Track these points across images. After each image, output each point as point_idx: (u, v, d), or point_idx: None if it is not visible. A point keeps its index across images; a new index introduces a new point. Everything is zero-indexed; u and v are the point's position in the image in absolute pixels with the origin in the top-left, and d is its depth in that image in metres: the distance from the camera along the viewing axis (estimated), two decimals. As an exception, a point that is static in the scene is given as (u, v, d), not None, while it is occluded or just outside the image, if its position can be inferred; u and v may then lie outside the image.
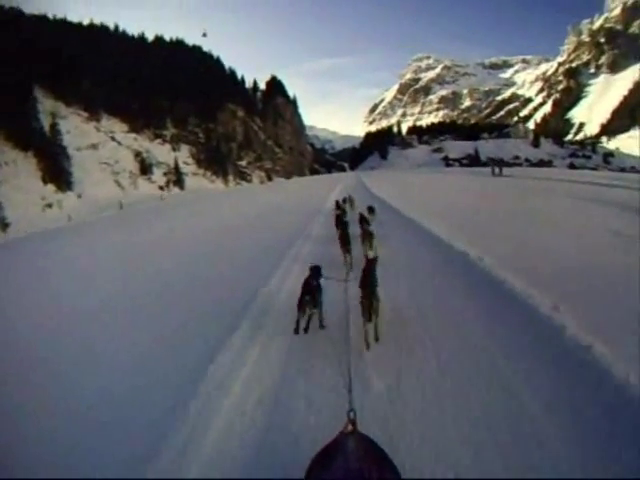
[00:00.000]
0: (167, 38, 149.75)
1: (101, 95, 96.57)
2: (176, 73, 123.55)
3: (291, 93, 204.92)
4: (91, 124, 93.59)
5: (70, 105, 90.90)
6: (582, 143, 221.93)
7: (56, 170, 68.90)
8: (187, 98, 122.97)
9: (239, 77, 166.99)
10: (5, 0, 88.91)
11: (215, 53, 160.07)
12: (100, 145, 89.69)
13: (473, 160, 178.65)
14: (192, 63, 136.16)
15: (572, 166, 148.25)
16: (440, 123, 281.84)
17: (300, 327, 6.13)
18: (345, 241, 9.94)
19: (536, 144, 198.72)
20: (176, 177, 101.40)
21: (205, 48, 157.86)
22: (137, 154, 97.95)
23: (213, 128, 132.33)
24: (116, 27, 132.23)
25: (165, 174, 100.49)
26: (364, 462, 2.19)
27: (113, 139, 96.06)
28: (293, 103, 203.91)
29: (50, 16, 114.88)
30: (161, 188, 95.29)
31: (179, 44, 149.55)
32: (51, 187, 66.72)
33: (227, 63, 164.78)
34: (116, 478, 3.64)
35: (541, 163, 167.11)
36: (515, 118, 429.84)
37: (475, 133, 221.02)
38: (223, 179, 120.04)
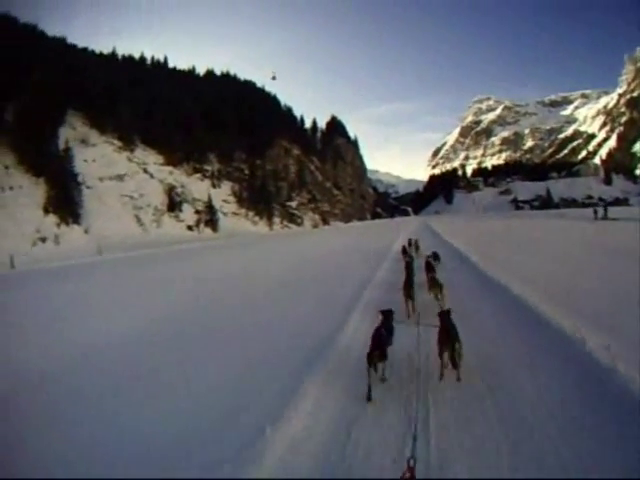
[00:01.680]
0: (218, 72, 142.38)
1: (139, 125, 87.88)
2: (225, 107, 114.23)
3: (352, 134, 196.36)
4: (123, 154, 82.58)
5: (104, 133, 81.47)
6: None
7: (62, 199, 58.34)
8: (236, 132, 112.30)
9: (298, 117, 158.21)
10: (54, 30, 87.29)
11: (279, 97, 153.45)
12: (127, 176, 77.79)
13: (545, 202, 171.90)
14: (244, 97, 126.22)
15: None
16: (506, 164, 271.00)
17: (371, 390, 5.50)
18: (409, 288, 9.55)
19: (608, 181, 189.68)
20: (209, 216, 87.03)
21: (269, 90, 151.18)
22: (171, 188, 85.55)
23: (261, 164, 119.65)
24: (165, 60, 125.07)
25: (197, 212, 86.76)
26: None
27: (145, 171, 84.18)
28: (354, 144, 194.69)
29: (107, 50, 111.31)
30: (190, 228, 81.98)
31: (230, 78, 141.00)
32: (53, 218, 55.53)
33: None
34: (117, 478, 3.86)
35: (617, 202, 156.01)
36: (581, 155, 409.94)
37: (542, 173, 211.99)
38: (267, 221, 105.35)
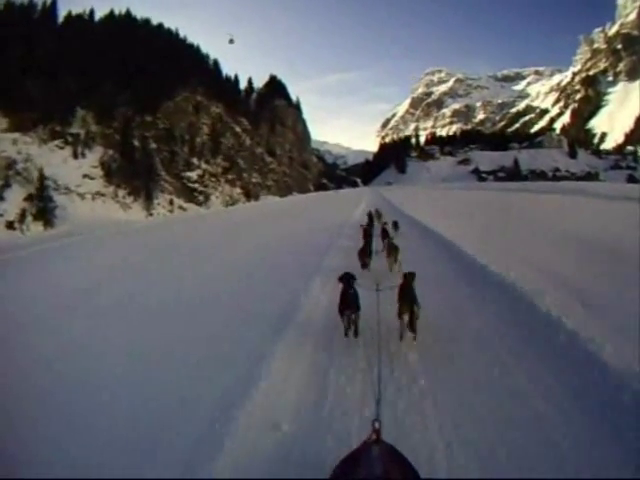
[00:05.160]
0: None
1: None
2: (116, 53, 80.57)
3: (294, 97, 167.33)
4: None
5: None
6: (622, 153, 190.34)
7: None
8: (124, 84, 78.57)
9: (232, 75, 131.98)
10: None
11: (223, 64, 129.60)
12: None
13: (511, 173, 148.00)
14: (150, 44, 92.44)
15: (632, 179, 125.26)
16: (462, 132, 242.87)
17: (348, 331, 6.03)
18: (365, 256, 9.78)
19: (573, 155, 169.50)
20: (42, 204, 51.93)
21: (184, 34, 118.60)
22: (8, 165, 51.95)
23: (151, 122, 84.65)
24: (54, 3, 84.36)
25: (29, 199, 51.71)
26: (388, 471, 2.20)
27: (-21, 143, 51.93)
28: (296, 107, 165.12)
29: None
30: (10, 226, 48.09)
31: (135, 21, 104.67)
32: None
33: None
34: (116, 478, 3.61)
35: (588, 176, 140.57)
36: (533, 130, 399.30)
37: (502, 143, 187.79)
38: (146, 202, 70.91)
